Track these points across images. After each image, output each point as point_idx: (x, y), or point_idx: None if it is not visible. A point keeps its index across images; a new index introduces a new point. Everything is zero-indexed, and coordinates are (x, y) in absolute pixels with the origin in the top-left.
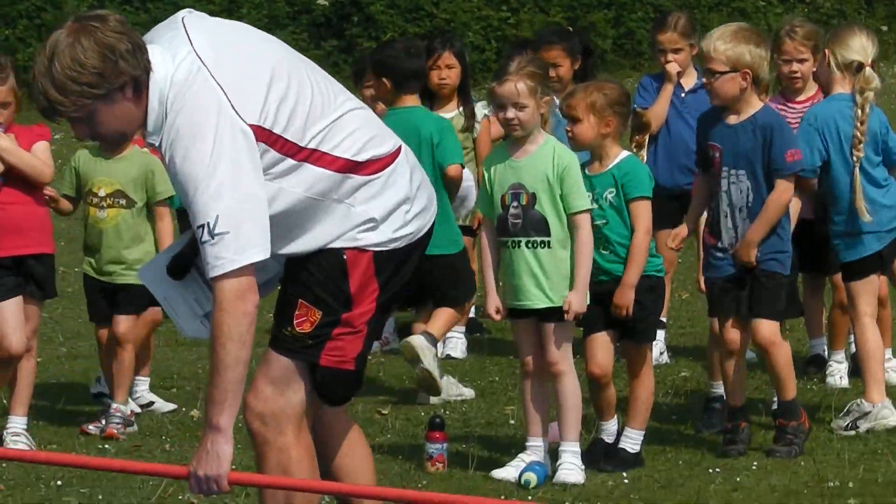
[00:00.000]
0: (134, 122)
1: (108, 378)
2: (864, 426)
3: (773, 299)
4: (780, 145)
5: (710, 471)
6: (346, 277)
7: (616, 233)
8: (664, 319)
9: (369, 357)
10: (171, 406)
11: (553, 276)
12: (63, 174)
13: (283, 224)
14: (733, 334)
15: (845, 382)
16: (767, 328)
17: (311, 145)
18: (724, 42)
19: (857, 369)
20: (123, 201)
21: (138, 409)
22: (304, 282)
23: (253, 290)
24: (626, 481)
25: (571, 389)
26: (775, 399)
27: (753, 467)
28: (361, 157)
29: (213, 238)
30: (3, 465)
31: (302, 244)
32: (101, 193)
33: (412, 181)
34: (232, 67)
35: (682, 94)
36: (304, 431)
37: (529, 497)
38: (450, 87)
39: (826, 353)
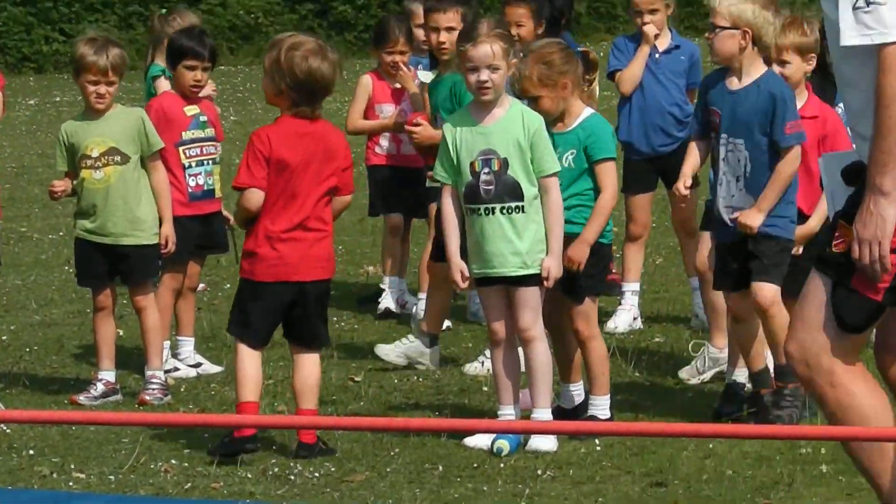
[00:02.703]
0: None
1: (97, 343)
2: (708, 373)
3: (774, 263)
4: (781, 116)
5: (682, 439)
6: None
7: (570, 192)
8: (636, 285)
9: (342, 324)
10: (218, 368)
11: (528, 241)
12: (56, 154)
13: None
14: (741, 304)
15: None
16: (768, 291)
17: None
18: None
19: None
20: (118, 157)
21: (189, 370)
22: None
23: None
24: (598, 448)
25: (543, 355)
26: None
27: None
28: None
29: (867, 6)
30: None
31: None
32: (95, 154)
33: None
34: None
35: (657, 56)
36: (851, 363)
37: (502, 465)
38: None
39: None
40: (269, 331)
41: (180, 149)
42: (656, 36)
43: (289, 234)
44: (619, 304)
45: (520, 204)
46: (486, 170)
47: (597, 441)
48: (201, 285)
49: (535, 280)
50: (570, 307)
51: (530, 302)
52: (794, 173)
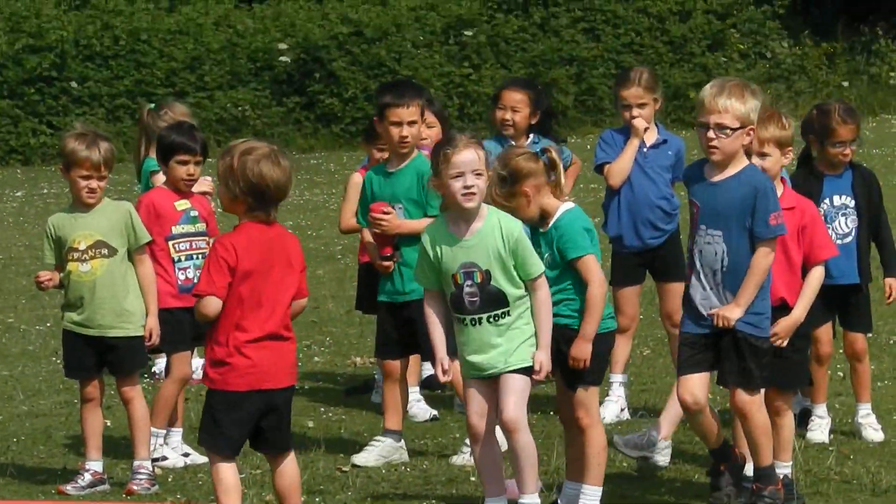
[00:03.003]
0: None
1: (84, 434)
2: (635, 453)
3: (755, 366)
4: (763, 208)
5: None
6: None
7: (555, 290)
8: (624, 377)
9: (330, 414)
10: (205, 458)
11: (515, 340)
12: (43, 247)
13: None
14: (698, 393)
15: (824, 437)
16: (745, 395)
17: None
18: (737, 98)
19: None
20: (105, 250)
21: (178, 459)
22: None
23: None
24: None
25: (528, 444)
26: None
27: None
28: None
29: None
30: None
31: None
32: (82, 247)
33: None
34: None
35: (645, 150)
36: None
37: None
38: (430, 145)
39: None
40: (242, 440)
41: (170, 243)
42: (646, 129)
43: (261, 342)
44: (607, 395)
45: (505, 310)
46: (469, 282)
47: None
48: (194, 376)
49: (523, 370)
50: (571, 397)
51: (516, 387)
52: (769, 266)
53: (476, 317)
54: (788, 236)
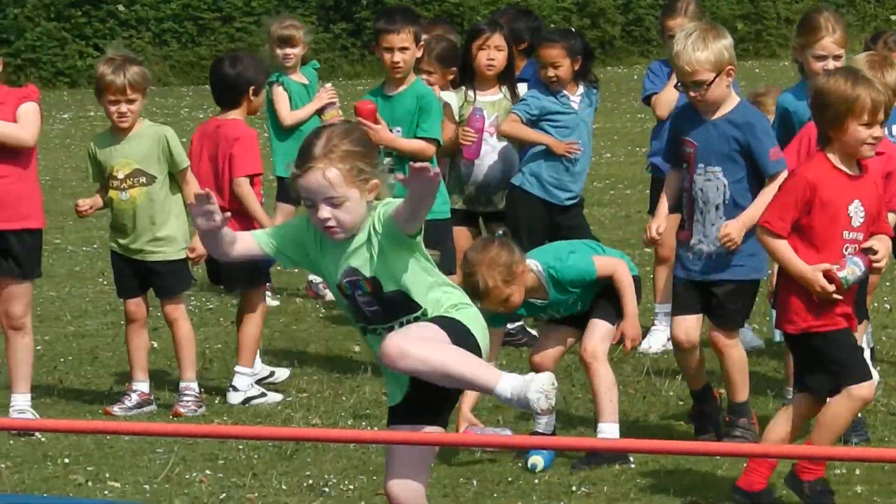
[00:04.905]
0: None
1: (130, 355)
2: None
3: (738, 311)
4: (761, 146)
5: (717, 457)
6: None
7: (572, 307)
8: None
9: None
10: (286, 373)
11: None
12: (88, 167)
13: None
14: (692, 333)
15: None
16: (723, 335)
17: None
18: (701, 51)
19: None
20: (143, 178)
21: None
22: None
23: None
24: (633, 466)
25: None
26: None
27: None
28: None
29: None
30: (10, 442)
31: None
32: (121, 175)
33: None
34: None
35: None
36: None
37: (536, 481)
38: (496, 69)
39: None
40: None
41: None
42: None
43: None
44: (653, 324)
45: (419, 313)
46: (359, 292)
47: (631, 458)
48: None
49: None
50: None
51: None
52: None
53: (385, 326)
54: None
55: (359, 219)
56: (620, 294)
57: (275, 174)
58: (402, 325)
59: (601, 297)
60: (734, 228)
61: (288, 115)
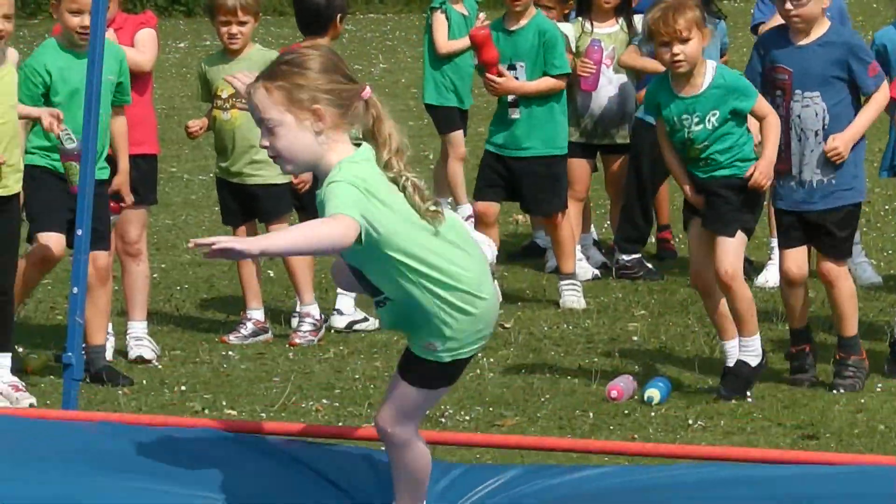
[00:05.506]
0: None
1: (242, 283)
2: None
3: (844, 239)
4: (860, 68)
5: (834, 392)
6: None
7: (715, 150)
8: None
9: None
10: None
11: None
12: (198, 87)
13: None
14: (803, 265)
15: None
16: (834, 264)
17: None
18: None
19: None
20: (244, 100)
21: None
22: None
23: None
24: (749, 400)
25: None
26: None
27: (878, 389)
28: None
29: None
30: (129, 369)
31: None
32: (224, 95)
33: None
34: None
35: None
36: None
37: (652, 414)
38: (614, 1)
39: None
40: None
41: None
42: None
43: None
44: (770, 258)
45: (382, 297)
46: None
47: (749, 393)
48: None
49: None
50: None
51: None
52: (885, 104)
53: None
54: None
55: (301, 151)
56: (765, 138)
57: (423, 101)
58: (379, 305)
59: (716, 206)
60: (842, 141)
61: (445, 44)
